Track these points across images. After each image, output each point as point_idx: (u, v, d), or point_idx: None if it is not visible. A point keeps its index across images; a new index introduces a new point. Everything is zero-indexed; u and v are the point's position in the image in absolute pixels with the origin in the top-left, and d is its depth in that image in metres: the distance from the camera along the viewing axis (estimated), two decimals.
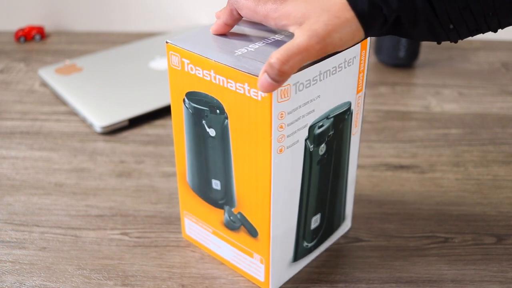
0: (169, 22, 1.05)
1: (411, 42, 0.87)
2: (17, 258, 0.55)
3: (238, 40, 0.46)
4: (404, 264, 0.54)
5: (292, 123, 0.44)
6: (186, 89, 0.47)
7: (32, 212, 0.61)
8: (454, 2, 0.41)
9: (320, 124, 0.47)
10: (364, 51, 0.48)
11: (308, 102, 0.45)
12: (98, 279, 0.53)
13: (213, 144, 0.48)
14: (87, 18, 1.05)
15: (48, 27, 1.05)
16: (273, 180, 0.45)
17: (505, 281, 0.52)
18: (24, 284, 0.52)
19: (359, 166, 0.67)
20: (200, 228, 0.55)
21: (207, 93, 0.46)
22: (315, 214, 0.52)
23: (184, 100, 0.48)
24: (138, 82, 0.83)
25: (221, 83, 0.44)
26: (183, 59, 0.46)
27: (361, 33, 0.41)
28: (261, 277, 0.51)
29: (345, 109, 0.49)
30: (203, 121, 0.48)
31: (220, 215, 0.52)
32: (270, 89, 0.40)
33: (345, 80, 0.48)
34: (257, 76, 0.41)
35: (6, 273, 0.54)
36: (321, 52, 0.40)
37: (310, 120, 0.46)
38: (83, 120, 0.77)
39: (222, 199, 0.51)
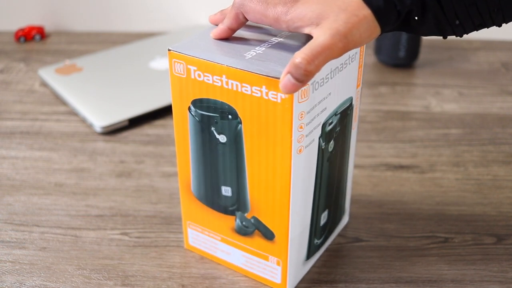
0: (169, 22, 1.05)
1: (411, 42, 0.87)
2: (17, 258, 0.55)
3: (241, 44, 0.45)
4: (404, 264, 0.54)
5: (309, 122, 0.44)
6: (192, 97, 0.46)
7: (32, 212, 0.61)
8: (461, 0, 0.41)
9: (330, 121, 0.47)
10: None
11: (322, 100, 0.45)
12: (98, 279, 0.53)
13: (224, 151, 0.47)
14: (87, 18, 1.05)
15: (48, 27, 1.05)
16: (292, 181, 0.45)
17: (505, 281, 0.52)
18: (24, 284, 0.52)
19: (359, 166, 0.67)
20: (207, 237, 0.54)
21: (217, 99, 0.45)
22: (324, 210, 0.52)
23: (189, 108, 0.47)
24: (138, 82, 0.83)
25: (234, 88, 0.43)
26: (189, 66, 0.45)
27: (378, 29, 0.41)
28: (277, 279, 0.51)
29: (348, 104, 0.50)
30: (212, 128, 0.47)
31: (229, 221, 0.51)
32: (293, 89, 0.40)
33: (349, 76, 0.48)
34: (277, 78, 0.41)
35: (6, 273, 0.54)
36: (344, 50, 0.40)
37: (323, 118, 0.46)
38: (83, 120, 0.77)
39: (233, 205, 0.50)
